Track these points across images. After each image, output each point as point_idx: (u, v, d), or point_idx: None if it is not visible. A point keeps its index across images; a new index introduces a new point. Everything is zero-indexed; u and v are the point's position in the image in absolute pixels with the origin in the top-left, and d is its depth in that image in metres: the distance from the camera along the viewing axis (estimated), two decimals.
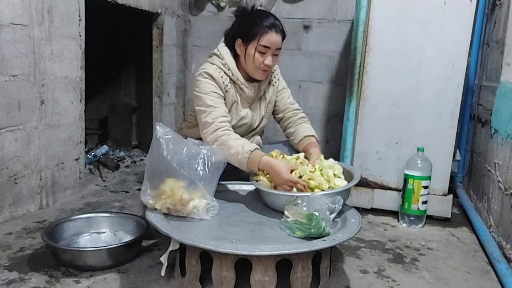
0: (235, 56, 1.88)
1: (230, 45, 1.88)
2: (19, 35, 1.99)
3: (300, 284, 1.36)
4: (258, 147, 1.74)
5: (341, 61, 3.22)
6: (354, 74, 2.32)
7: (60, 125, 2.29)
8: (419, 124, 2.27)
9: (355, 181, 1.65)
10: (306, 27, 3.26)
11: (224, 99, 1.84)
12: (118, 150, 3.48)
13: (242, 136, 1.88)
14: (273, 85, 2.01)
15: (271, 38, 1.78)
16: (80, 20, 2.36)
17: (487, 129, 2.37)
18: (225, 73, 1.84)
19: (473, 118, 2.80)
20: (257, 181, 1.74)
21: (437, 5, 2.17)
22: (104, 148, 3.30)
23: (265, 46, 1.78)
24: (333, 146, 3.29)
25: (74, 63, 2.34)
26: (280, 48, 1.83)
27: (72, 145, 2.40)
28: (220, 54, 1.87)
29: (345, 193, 1.64)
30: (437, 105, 2.23)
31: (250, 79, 1.90)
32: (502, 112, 2.07)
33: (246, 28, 1.81)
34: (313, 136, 1.98)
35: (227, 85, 1.84)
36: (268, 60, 1.80)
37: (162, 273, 1.43)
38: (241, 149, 1.67)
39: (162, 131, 1.55)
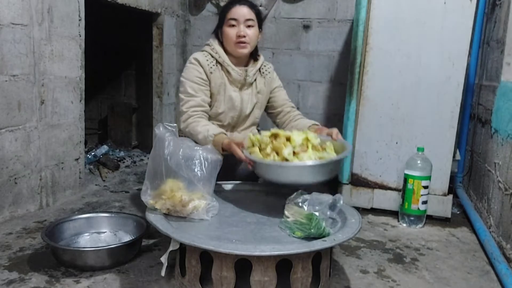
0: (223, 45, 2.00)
1: (217, 37, 2.01)
2: (19, 35, 1.99)
3: (300, 284, 1.36)
4: (224, 131, 1.79)
5: (341, 60, 3.22)
6: (354, 74, 2.32)
7: (60, 125, 2.29)
8: (419, 124, 2.27)
9: (346, 153, 1.61)
10: (306, 27, 3.26)
11: (210, 83, 1.93)
12: (118, 150, 3.48)
13: (236, 124, 2.04)
14: (264, 77, 2.07)
15: (236, 10, 1.91)
16: (80, 20, 2.36)
17: (487, 129, 2.37)
18: (212, 56, 1.95)
19: (473, 118, 2.80)
20: (250, 153, 1.68)
21: (437, 5, 2.16)
22: (104, 148, 3.30)
23: (233, 19, 1.90)
24: None
25: (74, 63, 2.34)
26: (251, 19, 1.92)
27: (72, 145, 2.40)
28: (210, 43, 2.00)
29: (335, 164, 1.60)
30: (437, 105, 2.23)
31: (238, 64, 1.98)
32: (502, 111, 2.07)
33: (219, 15, 1.99)
34: (319, 124, 2.00)
35: (211, 67, 1.93)
36: (240, 31, 1.89)
37: (162, 273, 1.43)
38: (206, 133, 1.75)
39: (162, 132, 1.56)
